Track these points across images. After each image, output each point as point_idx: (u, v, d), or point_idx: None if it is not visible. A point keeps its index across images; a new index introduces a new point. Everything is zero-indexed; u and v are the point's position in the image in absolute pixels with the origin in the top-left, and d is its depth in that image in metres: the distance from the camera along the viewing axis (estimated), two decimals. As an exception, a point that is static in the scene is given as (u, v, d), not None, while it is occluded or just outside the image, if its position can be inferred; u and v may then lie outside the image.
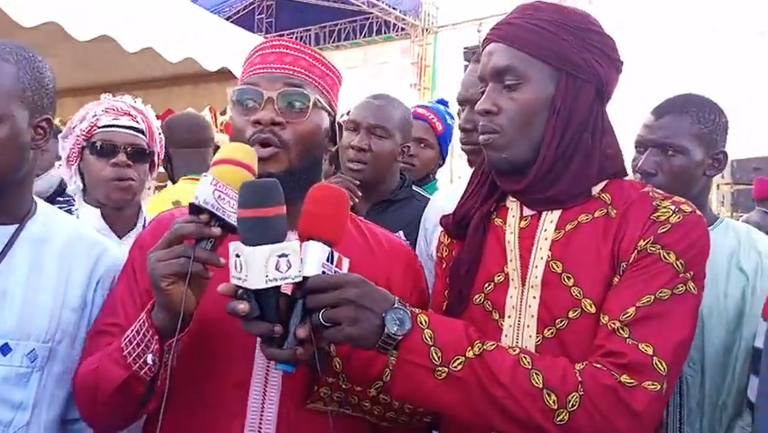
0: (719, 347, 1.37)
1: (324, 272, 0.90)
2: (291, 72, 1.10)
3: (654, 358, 0.89)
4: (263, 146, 1.05)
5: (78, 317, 1.20)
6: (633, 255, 0.97)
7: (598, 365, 0.91)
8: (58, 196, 2.12)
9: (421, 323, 0.92)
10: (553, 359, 0.94)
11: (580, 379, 0.90)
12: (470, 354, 0.91)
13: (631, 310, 0.92)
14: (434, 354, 0.91)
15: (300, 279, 0.88)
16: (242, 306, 0.87)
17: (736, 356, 1.37)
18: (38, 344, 1.13)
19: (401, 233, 1.89)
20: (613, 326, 0.93)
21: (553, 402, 0.88)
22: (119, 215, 1.78)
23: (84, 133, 1.75)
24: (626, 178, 1.11)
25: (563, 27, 1.01)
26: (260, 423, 1.02)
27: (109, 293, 1.16)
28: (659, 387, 0.89)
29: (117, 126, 1.73)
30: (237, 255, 0.87)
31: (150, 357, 0.94)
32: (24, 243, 1.18)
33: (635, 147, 1.59)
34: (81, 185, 1.82)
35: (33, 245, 1.18)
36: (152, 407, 1.00)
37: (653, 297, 0.93)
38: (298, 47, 1.15)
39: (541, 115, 1.02)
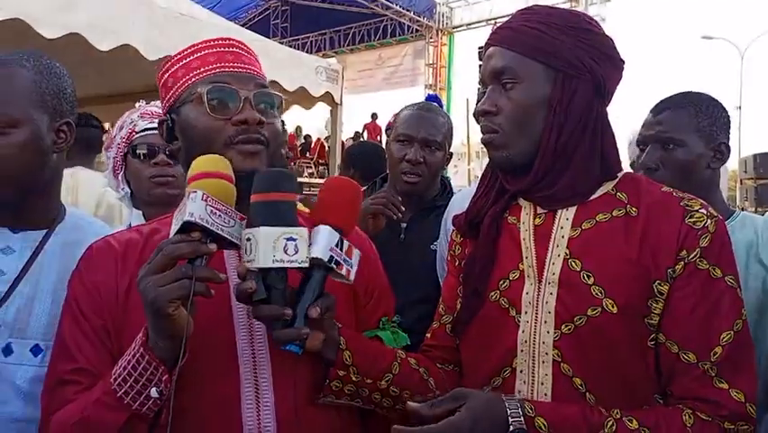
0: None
1: (332, 257, 0.92)
2: (255, 73, 1.10)
3: (747, 405, 0.94)
4: (248, 143, 1.03)
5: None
6: (680, 266, 0.98)
7: (703, 416, 0.94)
8: None
9: (540, 427, 0.92)
10: (667, 422, 0.94)
11: None
12: None
13: (718, 350, 0.96)
14: None
15: (307, 264, 0.90)
16: (250, 283, 0.88)
17: (761, 350, 1.35)
18: None
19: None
20: (703, 366, 0.96)
21: None
22: (163, 215, 1.80)
23: (124, 140, 1.80)
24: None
25: (557, 27, 1.03)
26: None
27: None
28: (751, 429, 0.95)
29: (154, 129, 1.74)
30: (248, 239, 0.90)
31: (154, 391, 0.90)
32: (54, 247, 1.21)
33: (637, 145, 1.61)
34: (129, 191, 1.85)
35: (62, 250, 1.21)
36: None
37: (732, 332, 0.96)
38: (247, 47, 1.13)
39: (539, 113, 1.03)
